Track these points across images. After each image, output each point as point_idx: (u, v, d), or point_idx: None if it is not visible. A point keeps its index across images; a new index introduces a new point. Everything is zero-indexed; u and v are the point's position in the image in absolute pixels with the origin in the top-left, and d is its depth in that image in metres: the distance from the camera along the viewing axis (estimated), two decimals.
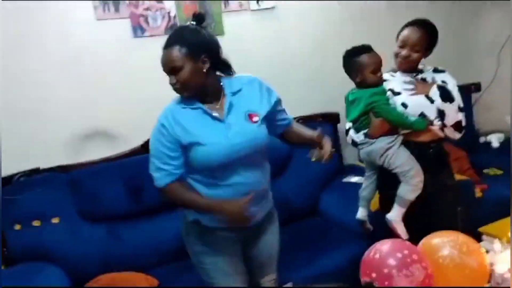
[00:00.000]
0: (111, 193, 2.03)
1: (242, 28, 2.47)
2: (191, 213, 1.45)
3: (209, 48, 1.37)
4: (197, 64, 1.32)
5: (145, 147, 2.21)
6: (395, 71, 1.77)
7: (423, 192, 1.63)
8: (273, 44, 2.57)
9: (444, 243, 1.16)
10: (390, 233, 1.61)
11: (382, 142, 1.64)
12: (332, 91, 2.65)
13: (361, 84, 1.65)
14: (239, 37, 2.46)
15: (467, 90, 3.14)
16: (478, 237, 1.75)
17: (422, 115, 1.63)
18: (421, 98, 1.65)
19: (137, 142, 2.21)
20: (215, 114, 1.37)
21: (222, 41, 2.56)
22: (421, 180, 1.62)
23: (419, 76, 1.72)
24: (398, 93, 1.69)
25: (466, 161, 2.75)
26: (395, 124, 1.63)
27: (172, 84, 1.34)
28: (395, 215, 1.64)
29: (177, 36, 1.34)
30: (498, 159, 2.82)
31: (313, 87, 2.69)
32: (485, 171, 2.79)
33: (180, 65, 1.30)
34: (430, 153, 1.69)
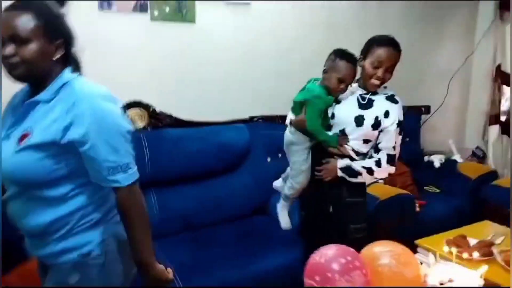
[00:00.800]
0: None
1: (214, 18, 2.44)
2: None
3: (68, 35, 1.11)
4: (49, 46, 1.05)
5: None
6: (358, 83, 1.75)
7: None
8: (243, 38, 2.56)
9: (383, 253, 1.21)
10: None
11: (295, 135, 1.69)
12: (294, 93, 2.70)
13: (323, 82, 1.67)
14: (210, 27, 2.43)
15: (417, 111, 3.33)
16: (414, 249, 1.86)
17: (342, 132, 1.68)
18: (350, 117, 1.67)
19: None
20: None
21: (192, 29, 2.53)
22: (302, 185, 1.70)
23: (367, 97, 1.69)
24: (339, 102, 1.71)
25: (410, 176, 2.91)
26: (309, 130, 1.65)
27: (8, 56, 1.00)
28: (278, 206, 1.80)
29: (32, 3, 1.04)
30: (437, 178, 3.02)
31: (279, 87, 2.71)
32: (425, 187, 2.97)
33: (27, 37, 1.01)
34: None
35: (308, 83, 1.74)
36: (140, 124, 2.24)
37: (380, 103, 1.67)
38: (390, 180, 2.81)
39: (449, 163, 3.10)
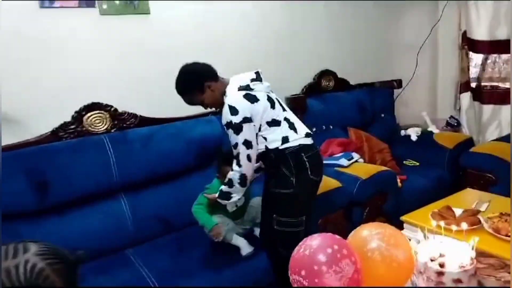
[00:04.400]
0: (11, 187, 1.76)
1: (170, 7, 2.29)
2: None
3: None
4: None
5: (55, 134, 1.96)
6: None
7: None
8: (203, 26, 2.43)
9: (372, 236, 1.14)
10: None
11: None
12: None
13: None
14: (167, 17, 2.28)
15: (390, 86, 3.30)
16: (400, 226, 1.81)
17: None
18: None
19: (46, 129, 1.95)
20: None
21: (147, 20, 2.37)
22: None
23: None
24: None
25: (389, 153, 2.88)
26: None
27: None
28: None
29: None
30: (415, 152, 3.00)
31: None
32: (404, 162, 2.95)
33: None
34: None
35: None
36: (102, 127, 2.08)
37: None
38: (369, 157, 2.78)
39: (426, 135, 3.09)
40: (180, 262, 1.85)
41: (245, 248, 1.89)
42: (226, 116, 1.65)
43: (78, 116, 2.02)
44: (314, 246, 1.03)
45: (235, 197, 1.77)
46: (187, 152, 2.23)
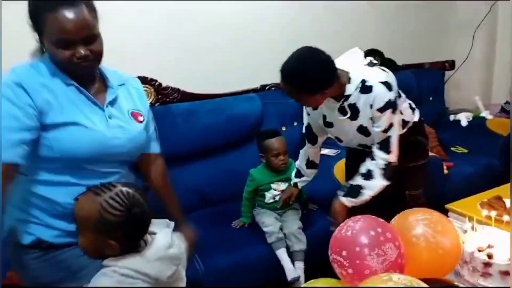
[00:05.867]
0: None
1: None
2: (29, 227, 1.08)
3: None
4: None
5: None
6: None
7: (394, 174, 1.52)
8: (247, 4, 2.38)
9: (417, 222, 1.10)
10: None
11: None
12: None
13: (264, 163, 1.93)
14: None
15: (441, 67, 3.13)
16: (444, 214, 1.74)
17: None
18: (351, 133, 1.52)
19: None
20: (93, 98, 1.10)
21: None
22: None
23: (346, 103, 1.45)
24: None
25: (434, 137, 2.75)
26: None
27: (83, 58, 1.02)
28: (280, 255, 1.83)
29: None
30: (465, 138, 2.85)
31: (288, 52, 2.54)
32: (452, 148, 2.81)
33: (97, 33, 1.05)
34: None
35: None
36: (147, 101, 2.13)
37: (361, 102, 1.43)
38: None
39: (477, 121, 2.92)
40: (218, 235, 1.89)
41: (291, 272, 1.78)
42: (382, 96, 1.39)
43: None
44: (357, 228, 1.01)
45: (367, 193, 1.47)
46: (227, 128, 2.24)
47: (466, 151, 2.79)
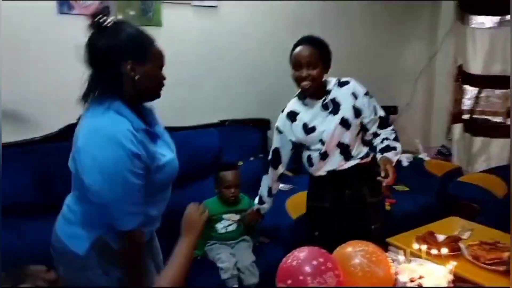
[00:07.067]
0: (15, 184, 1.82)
1: (181, 21, 2.40)
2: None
3: None
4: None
5: (62, 134, 2.04)
6: (303, 97, 1.72)
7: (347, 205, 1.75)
8: (211, 41, 2.54)
9: (355, 252, 1.22)
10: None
11: None
12: (265, 96, 2.69)
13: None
14: (178, 31, 2.39)
15: (386, 112, 3.39)
16: (385, 247, 1.88)
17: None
18: (331, 128, 1.68)
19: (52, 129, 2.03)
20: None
21: (159, 32, 2.47)
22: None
23: (328, 99, 1.68)
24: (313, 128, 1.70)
25: None
26: None
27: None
28: None
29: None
30: (406, 177, 3.06)
31: (246, 91, 2.70)
32: (394, 186, 3.03)
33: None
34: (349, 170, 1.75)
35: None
36: None
37: (341, 94, 1.68)
38: None
39: (417, 162, 3.18)
40: None
41: None
42: (359, 84, 1.73)
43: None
44: (301, 257, 1.11)
45: (399, 147, 1.74)
46: (185, 162, 2.27)
47: (407, 189, 3.02)
